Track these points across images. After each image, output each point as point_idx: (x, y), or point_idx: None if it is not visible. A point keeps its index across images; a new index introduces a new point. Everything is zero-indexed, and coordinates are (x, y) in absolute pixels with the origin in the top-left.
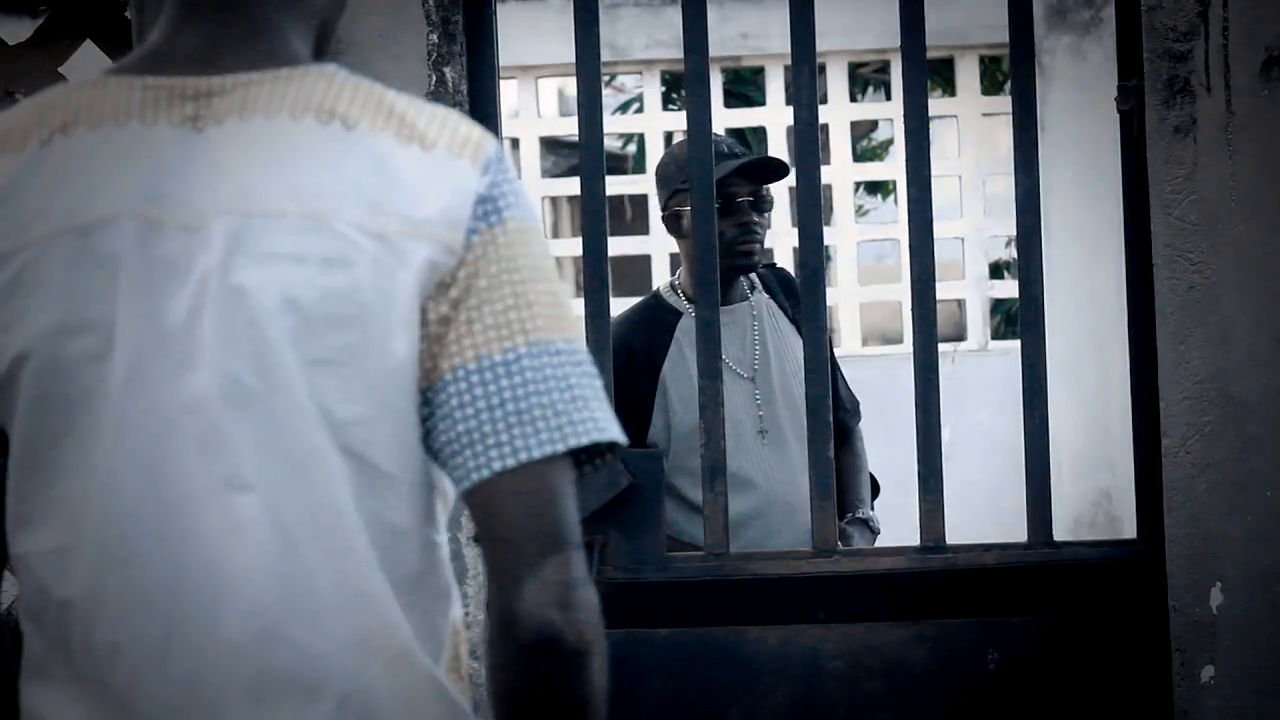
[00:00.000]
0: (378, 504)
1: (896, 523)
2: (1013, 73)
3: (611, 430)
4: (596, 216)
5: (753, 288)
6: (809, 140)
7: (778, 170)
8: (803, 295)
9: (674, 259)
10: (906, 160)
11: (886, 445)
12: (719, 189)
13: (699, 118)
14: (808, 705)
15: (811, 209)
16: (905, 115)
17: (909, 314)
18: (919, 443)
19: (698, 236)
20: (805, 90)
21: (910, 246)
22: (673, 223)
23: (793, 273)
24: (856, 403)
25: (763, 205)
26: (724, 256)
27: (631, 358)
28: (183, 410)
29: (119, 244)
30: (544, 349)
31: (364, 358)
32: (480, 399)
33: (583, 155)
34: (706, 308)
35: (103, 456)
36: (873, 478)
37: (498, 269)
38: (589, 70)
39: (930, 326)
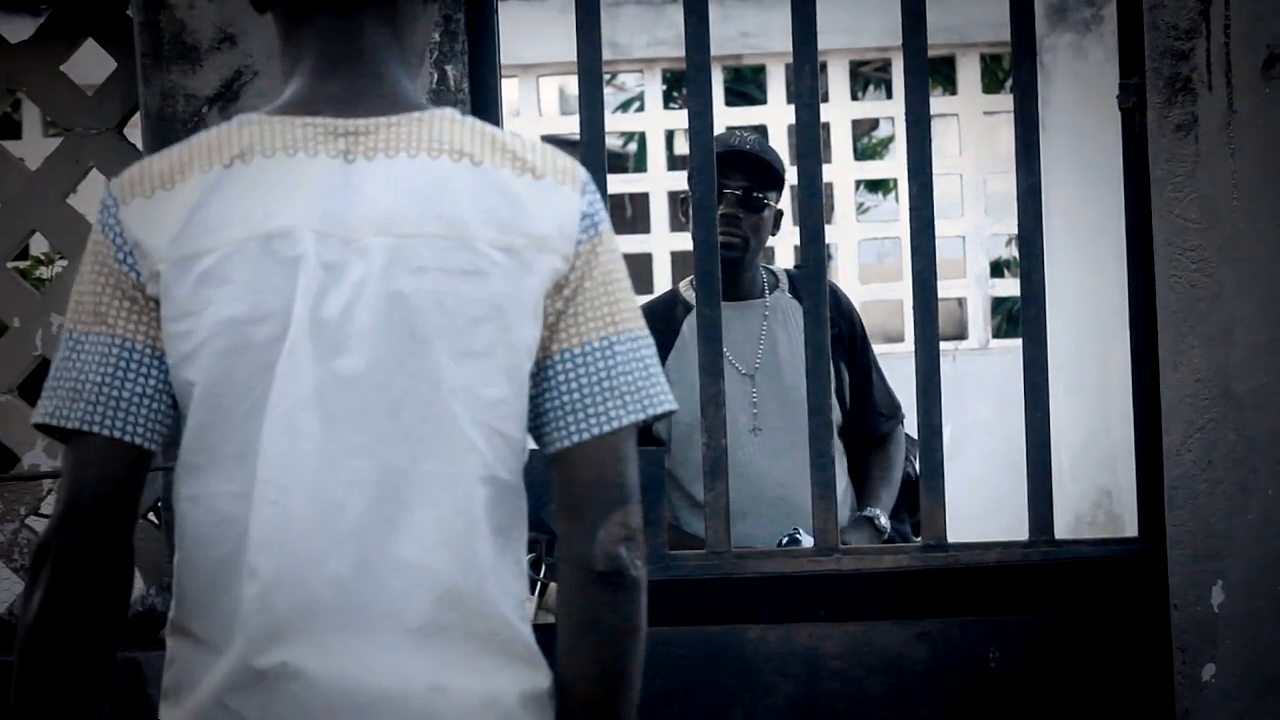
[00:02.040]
0: (500, 467)
1: None
2: (1014, 71)
3: (670, 402)
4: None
5: (774, 287)
6: (810, 138)
7: (772, 174)
8: (804, 294)
9: (680, 256)
10: (908, 159)
11: None
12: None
13: (700, 116)
14: (809, 704)
15: (813, 207)
16: (906, 113)
17: (910, 312)
18: (920, 441)
19: (696, 234)
20: (806, 89)
21: (912, 245)
22: (686, 211)
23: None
24: (896, 405)
25: (752, 203)
26: None
27: None
28: (332, 384)
29: (297, 250)
30: (629, 336)
31: (501, 349)
32: (582, 376)
33: (584, 154)
34: (707, 306)
35: (269, 423)
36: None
37: (599, 272)
38: (590, 69)
39: (931, 325)
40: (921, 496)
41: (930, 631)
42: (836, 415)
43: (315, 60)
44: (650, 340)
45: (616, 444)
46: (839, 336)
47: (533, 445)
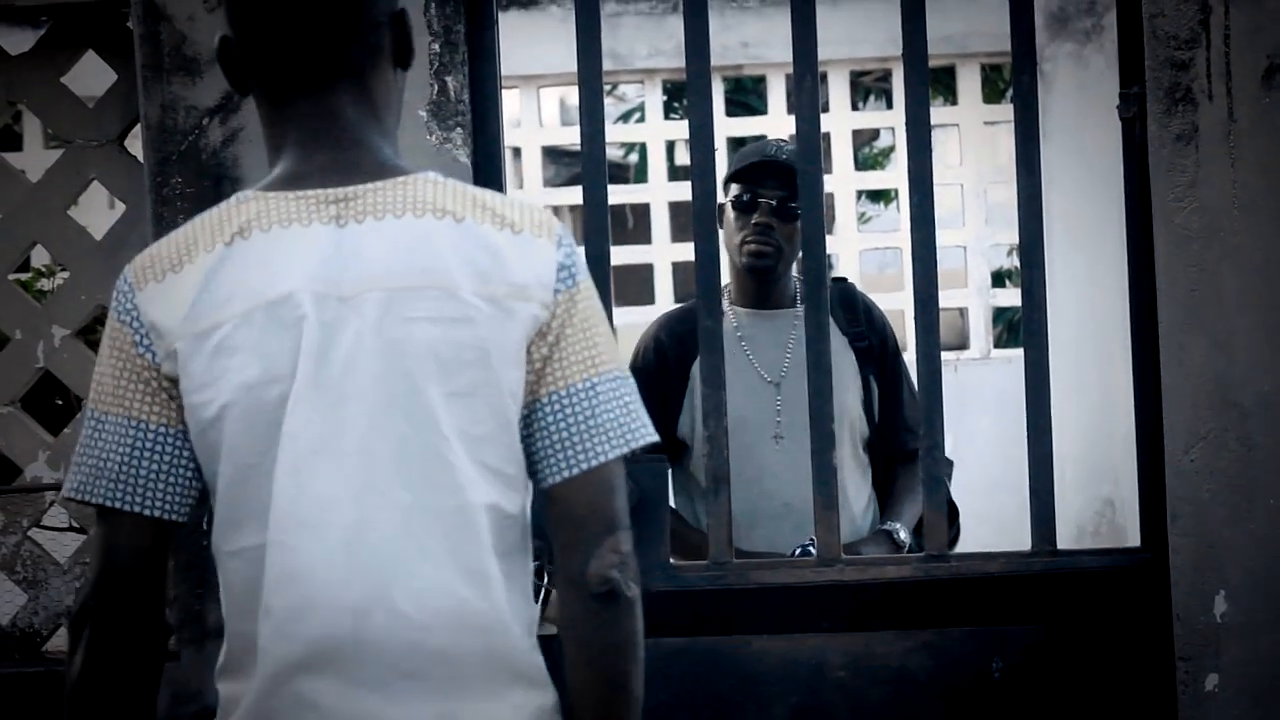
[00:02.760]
0: (498, 497)
1: None
2: (1014, 80)
3: (652, 434)
4: (599, 226)
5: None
6: (811, 148)
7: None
8: (806, 303)
9: (681, 267)
10: (909, 169)
11: None
12: (745, 186)
13: (701, 126)
14: (812, 714)
15: (814, 217)
16: (907, 123)
17: (911, 322)
18: (921, 452)
19: (698, 245)
20: (807, 99)
21: (913, 255)
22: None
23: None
24: None
25: (786, 212)
26: (739, 256)
27: (661, 355)
28: (338, 432)
29: (299, 313)
30: (609, 376)
31: (486, 389)
32: (569, 416)
33: (585, 165)
34: (708, 316)
35: (283, 474)
36: (954, 506)
37: (579, 319)
38: (591, 79)
39: (933, 335)
40: (924, 507)
41: (933, 642)
42: (864, 429)
43: (300, 137)
44: (629, 378)
45: (604, 477)
46: (869, 349)
47: None
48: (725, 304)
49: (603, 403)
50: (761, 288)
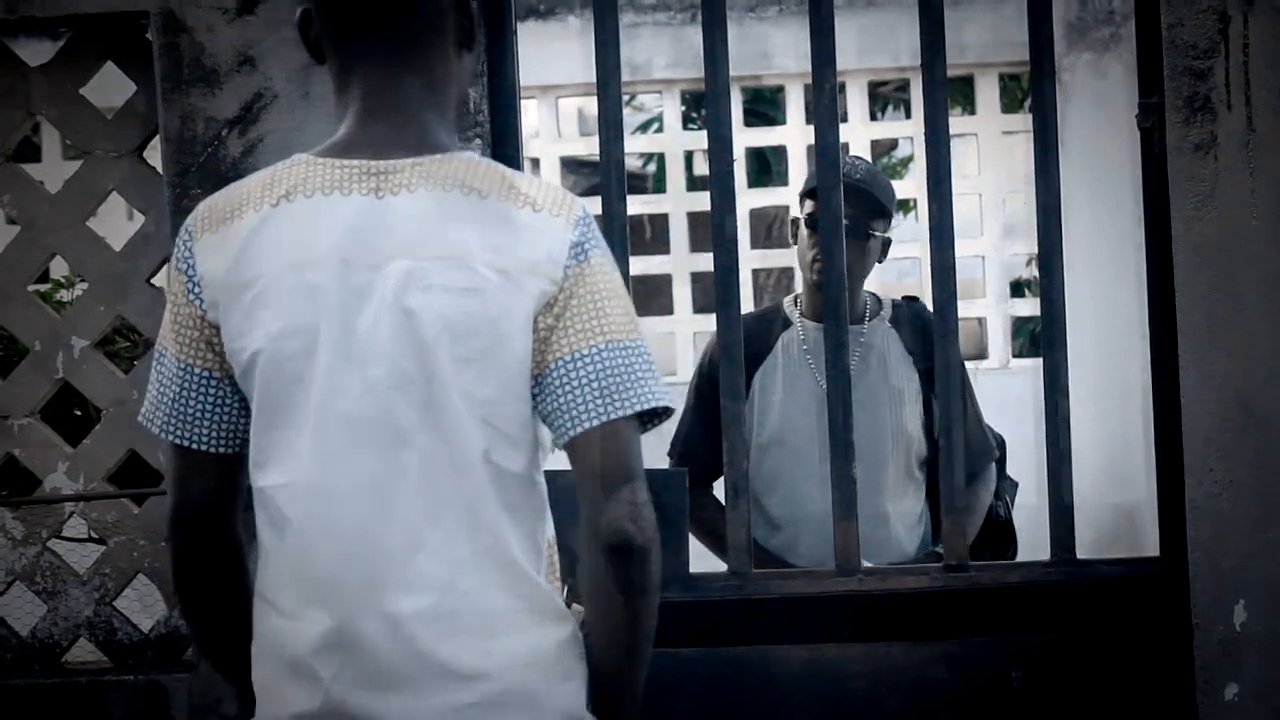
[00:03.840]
0: (500, 456)
1: None
2: (1033, 90)
3: (662, 400)
4: (617, 236)
5: (875, 314)
6: (830, 159)
7: (878, 205)
8: (826, 314)
9: (700, 277)
10: (926, 179)
11: None
12: (818, 204)
13: (719, 135)
14: None
15: (833, 227)
16: (926, 133)
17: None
18: (942, 461)
19: (717, 255)
20: (825, 109)
21: (932, 265)
22: (795, 233)
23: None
24: (989, 448)
25: (856, 232)
26: (809, 272)
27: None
28: (365, 391)
29: (321, 278)
30: (618, 345)
31: (494, 355)
32: (575, 379)
33: (603, 175)
34: (727, 328)
35: (308, 422)
36: (1012, 530)
37: (585, 291)
38: (610, 90)
39: (953, 344)
40: (944, 517)
41: (952, 652)
42: (921, 449)
43: (361, 105)
44: (641, 348)
45: (613, 433)
46: (932, 369)
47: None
48: (795, 315)
49: (610, 368)
50: (822, 302)
